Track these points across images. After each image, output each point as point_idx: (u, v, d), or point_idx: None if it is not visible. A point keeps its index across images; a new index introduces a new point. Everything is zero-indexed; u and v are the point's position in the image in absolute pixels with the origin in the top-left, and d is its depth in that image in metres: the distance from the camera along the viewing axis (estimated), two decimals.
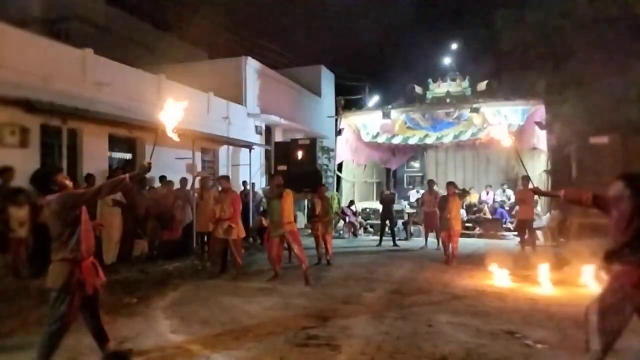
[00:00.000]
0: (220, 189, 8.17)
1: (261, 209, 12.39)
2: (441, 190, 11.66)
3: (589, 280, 6.70)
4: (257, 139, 15.74)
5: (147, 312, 5.68)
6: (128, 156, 10.88)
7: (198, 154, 12.02)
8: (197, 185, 9.98)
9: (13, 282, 6.43)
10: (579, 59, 11.17)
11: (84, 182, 8.63)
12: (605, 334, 3.11)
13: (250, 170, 13.01)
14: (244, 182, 12.83)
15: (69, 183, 3.73)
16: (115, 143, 10.39)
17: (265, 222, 11.75)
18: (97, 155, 9.66)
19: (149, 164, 3.63)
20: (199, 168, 11.73)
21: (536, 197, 11.44)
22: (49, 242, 3.55)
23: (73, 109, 8.29)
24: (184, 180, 10.23)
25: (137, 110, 10.20)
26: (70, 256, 3.51)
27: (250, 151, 13.40)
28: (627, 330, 3.24)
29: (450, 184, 9.95)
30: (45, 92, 8.31)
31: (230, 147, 14.23)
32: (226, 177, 8.40)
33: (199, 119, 12.01)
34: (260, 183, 14.95)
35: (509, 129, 16.06)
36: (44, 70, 8.52)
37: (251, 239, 11.51)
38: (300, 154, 12.06)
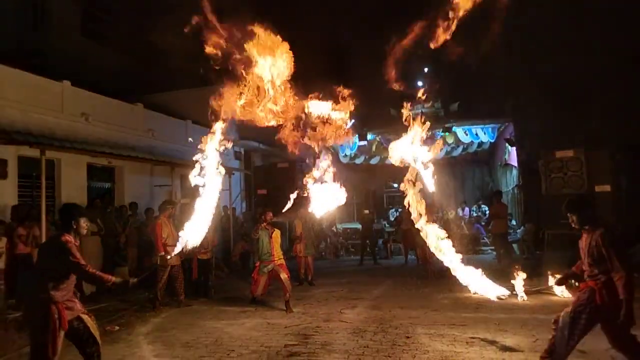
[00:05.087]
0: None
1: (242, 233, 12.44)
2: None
3: (559, 289, 7.00)
4: (237, 164, 15.86)
5: (130, 338, 5.70)
6: (107, 185, 10.88)
7: (177, 182, 12.10)
8: (178, 212, 10.00)
9: None
10: (544, 78, 11.77)
11: None
12: (572, 338, 3.57)
13: (230, 196, 13.07)
14: (225, 207, 12.89)
15: (84, 230, 3.74)
16: (94, 172, 10.39)
17: (246, 246, 11.82)
18: (75, 185, 9.65)
19: (134, 284, 3.89)
20: (178, 195, 11.77)
21: (510, 210, 11.82)
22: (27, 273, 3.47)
23: (51, 140, 8.33)
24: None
25: (115, 140, 10.28)
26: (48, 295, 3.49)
27: (230, 176, 13.49)
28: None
29: None
30: (23, 123, 8.35)
31: None
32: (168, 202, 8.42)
33: (178, 147, 12.13)
34: (240, 208, 15.01)
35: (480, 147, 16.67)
36: (22, 102, 8.58)
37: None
38: (279, 177, 12.23)
